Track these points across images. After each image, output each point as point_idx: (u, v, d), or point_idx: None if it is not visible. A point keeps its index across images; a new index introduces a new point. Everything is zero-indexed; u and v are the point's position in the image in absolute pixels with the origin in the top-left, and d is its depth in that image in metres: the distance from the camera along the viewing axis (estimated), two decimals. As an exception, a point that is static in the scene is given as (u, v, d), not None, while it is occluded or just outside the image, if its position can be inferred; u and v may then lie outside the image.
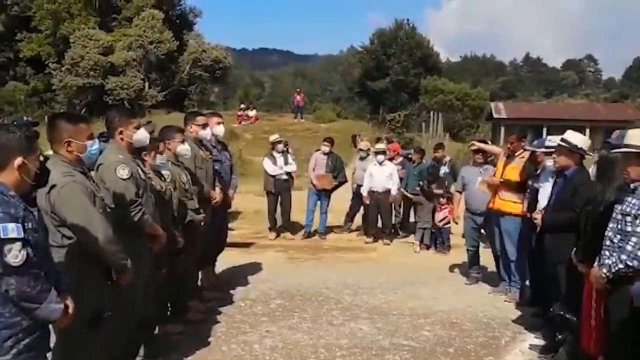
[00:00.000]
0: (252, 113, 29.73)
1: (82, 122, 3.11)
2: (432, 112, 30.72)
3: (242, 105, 31.89)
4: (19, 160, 2.29)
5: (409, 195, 9.28)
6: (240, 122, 27.60)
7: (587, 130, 21.84)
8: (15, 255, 2.13)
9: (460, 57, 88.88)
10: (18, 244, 2.14)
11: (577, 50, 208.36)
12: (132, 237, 3.44)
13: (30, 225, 2.23)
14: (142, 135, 3.79)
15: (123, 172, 3.52)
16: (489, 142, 8.69)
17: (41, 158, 2.51)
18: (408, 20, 44.88)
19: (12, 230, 2.13)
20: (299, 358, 4.40)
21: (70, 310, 2.38)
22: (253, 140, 23.36)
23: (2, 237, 2.10)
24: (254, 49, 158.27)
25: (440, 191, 8.45)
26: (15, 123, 2.39)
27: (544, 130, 27.22)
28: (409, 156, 10.07)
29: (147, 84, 34.89)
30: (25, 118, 2.49)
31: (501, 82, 78.96)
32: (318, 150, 9.94)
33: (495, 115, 33.72)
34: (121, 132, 3.67)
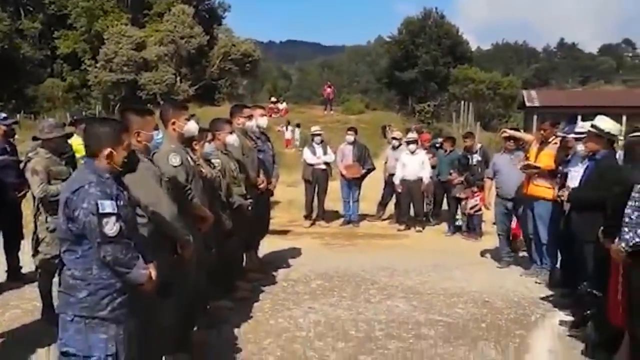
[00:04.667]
0: (282, 106, 30.23)
1: (148, 114, 3.48)
2: (462, 102, 30.59)
3: (272, 99, 32.34)
4: (107, 151, 2.67)
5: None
6: (270, 115, 27.89)
7: (624, 117, 21.08)
8: (111, 227, 2.53)
9: (492, 44, 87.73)
10: (113, 218, 2.54)
11: (614, 35, 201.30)
12: (183, 218, 3.75)
13: (121, 202, 2.64)
14: (192, 126, 4.13)
15: (175, 160, 3.84)
16: (521, 130, 8.85)
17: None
18: (436, 8, 44.40)
19: (108, 206, 2.54)
20: (341, 331, 4.72)
21: (154, 277, 2.75)
22: (283, 133, 23.70)
23: (101, 211, 2.51)
24: (282, 41, 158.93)
25: (461, 179, 8.74)
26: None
27: (579, 118, 26.53)
28: (437, 145, 10.29)
29: (178, 79, 35.61)
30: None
31: (534, 70, 77.35)
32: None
33: (527, 104, 32.84)
34: (173, 123, 4.00)
